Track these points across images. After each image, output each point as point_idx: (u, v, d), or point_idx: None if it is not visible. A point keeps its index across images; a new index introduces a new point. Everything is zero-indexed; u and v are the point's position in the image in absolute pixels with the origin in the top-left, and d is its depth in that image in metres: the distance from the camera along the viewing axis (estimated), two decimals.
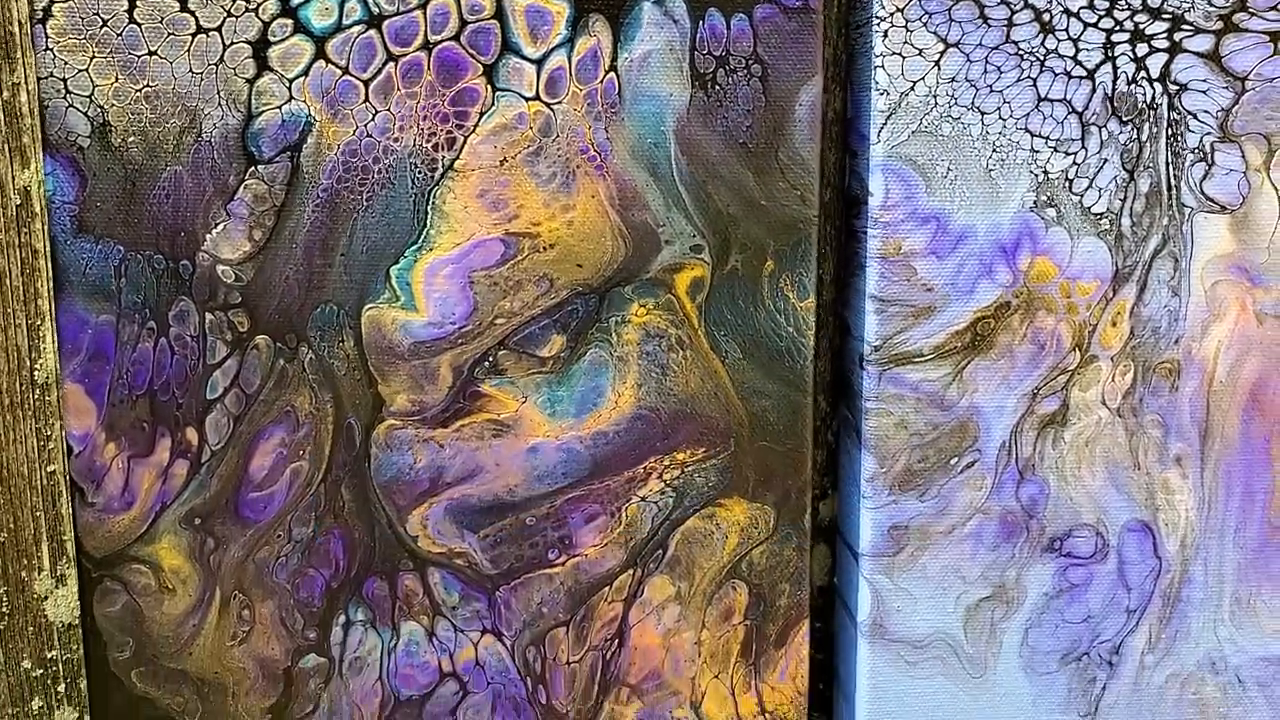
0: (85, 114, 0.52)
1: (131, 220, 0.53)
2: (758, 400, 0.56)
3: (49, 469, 0.65)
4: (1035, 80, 0.53)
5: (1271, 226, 0.54)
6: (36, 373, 0.65)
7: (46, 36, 0.51)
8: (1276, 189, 0.54)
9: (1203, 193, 0.54)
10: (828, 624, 0.68)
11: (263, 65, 0.52)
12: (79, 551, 0.55)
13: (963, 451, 0.56)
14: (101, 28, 0.51)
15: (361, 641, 0.56)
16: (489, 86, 0.52)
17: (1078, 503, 0.56)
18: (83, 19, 0.51)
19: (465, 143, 0.52)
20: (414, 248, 0.53)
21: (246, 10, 0.51)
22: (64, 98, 0.52)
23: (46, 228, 0.55)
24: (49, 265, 0.55)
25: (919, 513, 0.56)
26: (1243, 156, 0.54)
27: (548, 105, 0.52)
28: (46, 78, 0.52)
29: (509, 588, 0.56)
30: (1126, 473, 0.56)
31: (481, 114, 0.52)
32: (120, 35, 0.51)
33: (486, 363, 0.54)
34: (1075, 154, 0.53)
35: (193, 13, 0.51)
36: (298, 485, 0.55)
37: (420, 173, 0.53)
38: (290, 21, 0.51)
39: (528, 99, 0.52)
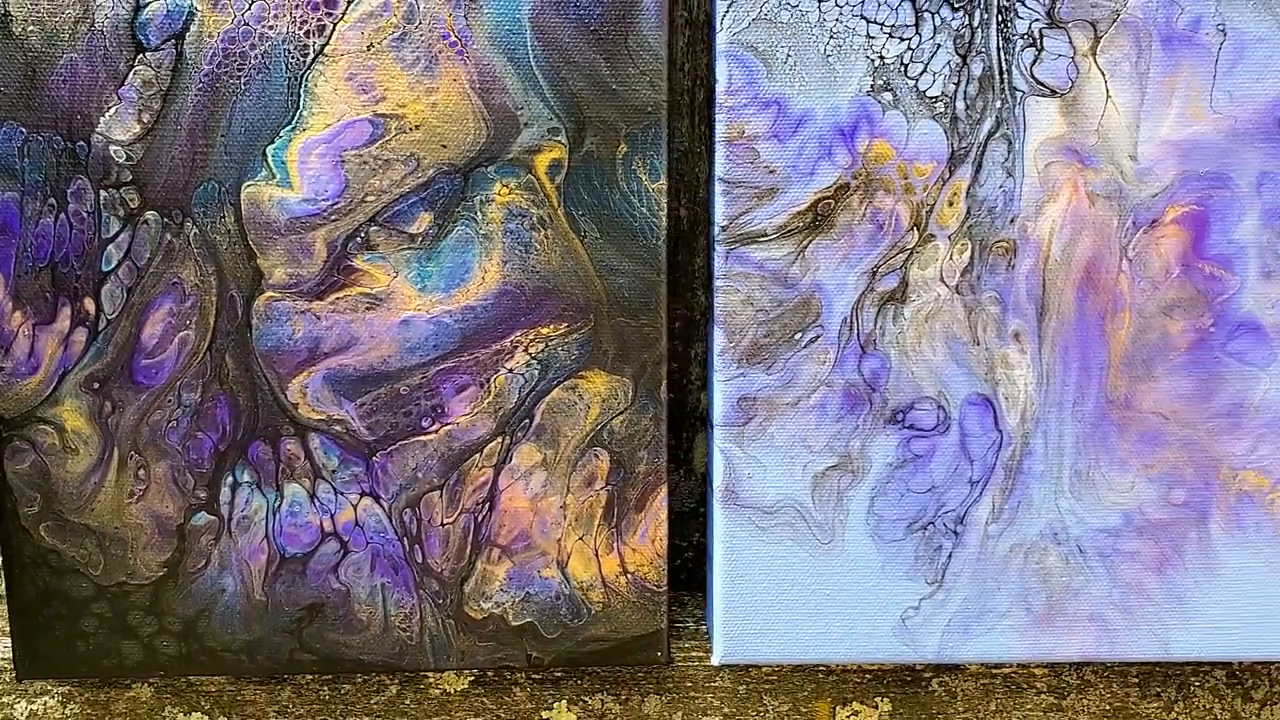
0: None
1: (32, 104, 0.57)
2: (614, 278, 0.59)
3: None
4: None
5: (1100, 109, 0.57)
6: None
7: None
8: (1103, 74, 0.57)
9: (1033, 77, 0.57)
10: None
11: None
12: None
13: (806, 326, 0.59)
14: None
15: (248, 501, 0.61)
16: None
17: (919, 377, 0.59)
18: None
19: (334, 29, 0.56)
20: (288, 128, 0.57)
21: None
22: None
23: None
24: None
25: (766, 385, 0.59)
26: (1070, 42, 0.56)
27: None
28: None
29: (385, 453, 0.60)
30: (966, 348, 0.59)
31: (349, 3, 0.56)
32: None
33: (359, 238, 0.58)
34: (910, 39, 0.56)
35: None
36: (185, 353, 0.59)
37: (293, 58, 0.57)
38: None
39: None
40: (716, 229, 0.58)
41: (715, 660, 0.63)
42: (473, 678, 0.66)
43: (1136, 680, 0.67)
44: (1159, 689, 0.67)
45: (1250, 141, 0.57)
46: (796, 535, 0.61)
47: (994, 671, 0.66)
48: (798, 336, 0.59)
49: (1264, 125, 0.57)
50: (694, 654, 0.66)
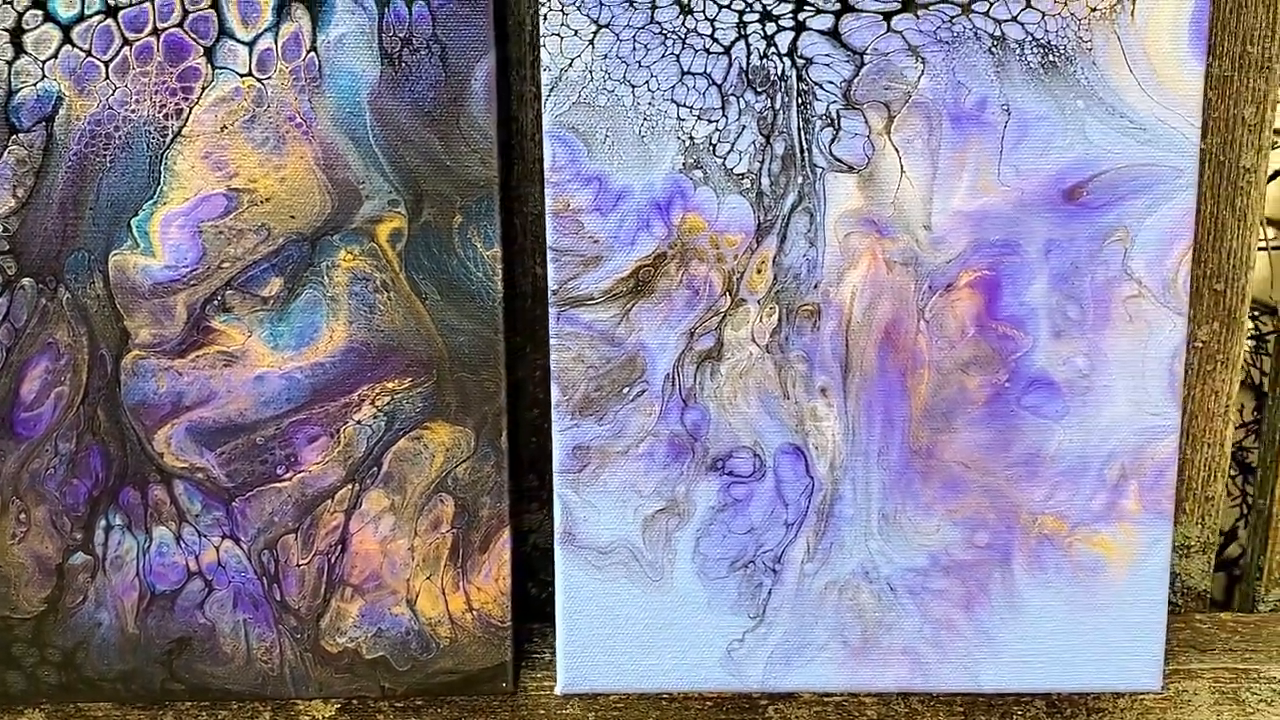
0: None
1: None
2: (455, 336, 0.64)
3: None
4: (678, 56, 0.61)
5: (895, 183, 0.62)
6: None
7: None
8: (898, 151, 0.61)
9: (832, 154, 0.62)
10: None
11: (19, 49, 0.61)
12: None
13: (633, 382, 0.64)
14: None
15: (120, 543, 0.66)
16: (209, 65, 0.61)
17: (736, 427, 0.64)
18: None
19: (191, 113, 0.62)
20: (150, 202, 0.62)
21: (3, 3, 0.61)
22: None
23: None
24: None
25: (598, 435, 0.64)
26: (866, 122, 0.61)
27: (259, 80, 0.61)
28: None
29: (244, 499, 0.65)
30: (777, 401, 0.64)
31: (204, 88, 0.61)
32: None
33: (215, 301, 0.63)
34: (717, 121, 0.61)
35: None
36: (61, 407, 0.64)
37: (154, 138, 0.62)
38: (41, 12, 0.61)
39: (242, 75, 0.61)
40: (550, 293, 0.63)
41: (558, 690, 0.67)
42: (339, 704, 0.71)
43: (962, 709, 0.71)
44: (983, 717, 0.71)
45: (1037, 211, 0.62)
46: (630, 573, 0.66)
47: (826, 700, 0.71)
48: (625, 391, 0.64)
49: (1049, 197, 0.62)
50: (546, 684, 0.71)
